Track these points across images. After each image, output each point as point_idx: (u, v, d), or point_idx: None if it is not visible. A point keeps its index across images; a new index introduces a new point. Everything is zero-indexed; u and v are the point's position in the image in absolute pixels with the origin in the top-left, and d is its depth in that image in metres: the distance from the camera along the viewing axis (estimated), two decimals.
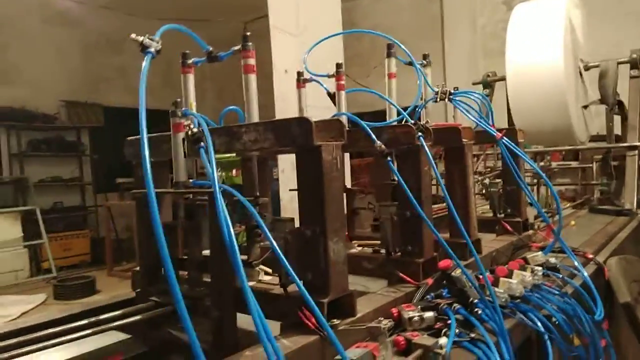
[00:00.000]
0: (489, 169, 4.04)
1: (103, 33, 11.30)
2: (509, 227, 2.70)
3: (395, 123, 2.04)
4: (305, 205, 1.46)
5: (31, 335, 1.42)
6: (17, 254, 9.84)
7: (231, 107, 1.77)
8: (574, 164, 5.79)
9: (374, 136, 1.85)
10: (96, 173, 11.79)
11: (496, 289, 1.72)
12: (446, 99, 2.58)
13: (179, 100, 1.57)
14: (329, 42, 6.58)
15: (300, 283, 1.20)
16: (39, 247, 10.15)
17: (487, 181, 2.81)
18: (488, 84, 5.28)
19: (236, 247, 1.09)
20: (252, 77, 1.59)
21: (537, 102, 4.25)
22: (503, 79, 4.73)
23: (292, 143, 1.42)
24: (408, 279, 1.82)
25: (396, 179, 1.83)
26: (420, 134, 1.86)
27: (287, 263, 1.21)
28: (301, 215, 1.47)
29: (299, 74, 2.22)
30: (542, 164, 3.86)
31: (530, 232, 2.80)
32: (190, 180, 1.55)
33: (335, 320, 1.37)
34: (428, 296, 1.75)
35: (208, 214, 1.49)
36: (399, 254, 1.91)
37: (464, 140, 2.20)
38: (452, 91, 2.58)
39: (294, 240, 1.41)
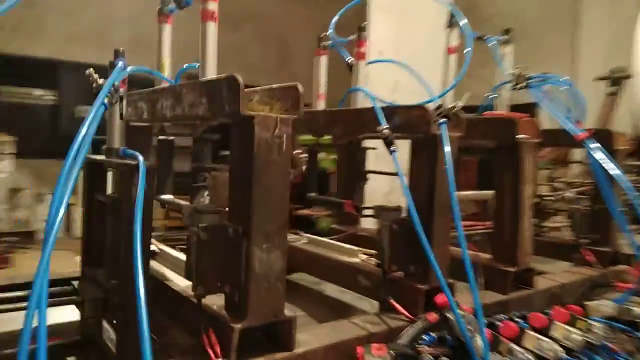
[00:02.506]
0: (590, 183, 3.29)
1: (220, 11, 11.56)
2: (591, 257, 2.08)
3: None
4: (233, 195, 1.10)
5: None
6: None
7: (190, 65, 1.46)
8: None
9: (382, 117, 1.43)
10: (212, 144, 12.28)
11: (516, 348, 1.22)
12: (521, 85, 2.04)
13: (122, 49, 1.29)
14: (430, 22, 5.95)
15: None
16: None
17: (569, 194, 2.19)
18: (615, 81, 4.37)
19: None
20: (212, 26, 1.25)
21: None
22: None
23: (222, 111, 1.07)
24: (400, 309, 1.38)
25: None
26: (442, 119, 1.39)
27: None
28: (229, 208, 1.12)
29: (319, 39, 1.83)
30: None
31: (621, 267, 2.14)
32: (120, 148, 1.26)
33: None
34: (425, 338, 1.30)
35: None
36: (400, 273, 1.46)
37: (520, 136, 1.66)
38: (530, 75, 2.04)
39: (210, 239, 1.06)
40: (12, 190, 5.67)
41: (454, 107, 1.44)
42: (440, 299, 1.28)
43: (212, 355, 1.02)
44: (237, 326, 1.02)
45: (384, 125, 1.41)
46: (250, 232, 1.04)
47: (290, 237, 1.99)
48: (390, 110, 1.46)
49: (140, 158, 1.14)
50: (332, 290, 1.87)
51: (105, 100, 1.09)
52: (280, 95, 1.13)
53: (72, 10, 7.98)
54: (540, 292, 1.74)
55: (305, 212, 4.35)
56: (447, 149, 1.34)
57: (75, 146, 0.89)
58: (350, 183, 1.90)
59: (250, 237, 1.04)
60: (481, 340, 1.17)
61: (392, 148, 1.38)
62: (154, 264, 1.54)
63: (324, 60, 1.86)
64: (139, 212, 0.94)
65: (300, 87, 1.10)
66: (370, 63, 1.72)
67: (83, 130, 0.92)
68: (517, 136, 1.66)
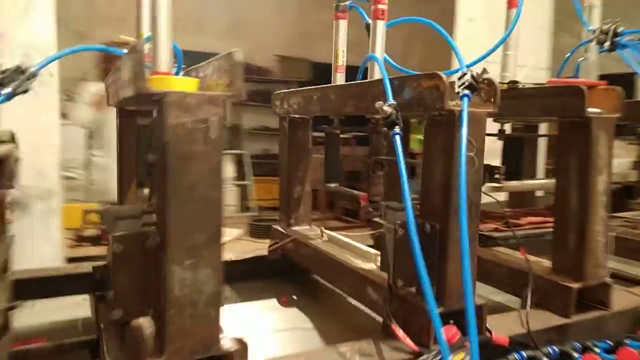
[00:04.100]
0: None
1: None
2: None
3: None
4: (153, 197, 0.88)
5: None
6: (229, 191, 11.00)
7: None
8: None
9: (389, 90, 1.12)
10: None
11: None
12: (607, 44, 1.60)
13: None
14: None
15: None
16: (246, 187, 11.17)
17: None
18: None
19: None
20: None
21: None
22: None
23: (135, 89, 0.84)
24: (402, 336, 1.08)
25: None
26: (465, 91, 1.04)
27: None
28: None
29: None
30: None
31: None
32: None
33: None
34: None
35: None
36: (410, 290, 1.16)
37: (590, 110, 1.25)
38: (619, 31, 1.59)
39: (125, 251, 0.85)
40: None
41: (482, 73, 1.08)
42: (447, 331, 0.97)
43: None
44: None
45: (389, 102, 1.10)
46: (167, 244, 0.81)
47: (312, 232, 1.74)
48: (402, 82, 1.15)
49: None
50: None
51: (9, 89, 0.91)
52: (226, 67, 0.88)
53: None
54: (618, 315, 1.33)
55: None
56: (464, 129, 1.00)
57: None
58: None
59: (167, 250, 0.81)
60: None
61: (394, 130, 1.07)
62: None
63: (343, 26, 1.56)
64: None
65: (238, 55, 0.83)
66: (390, 25, 1.38)
67: None
68: (586, 110, 1.24)
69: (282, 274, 1.82)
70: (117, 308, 0.87)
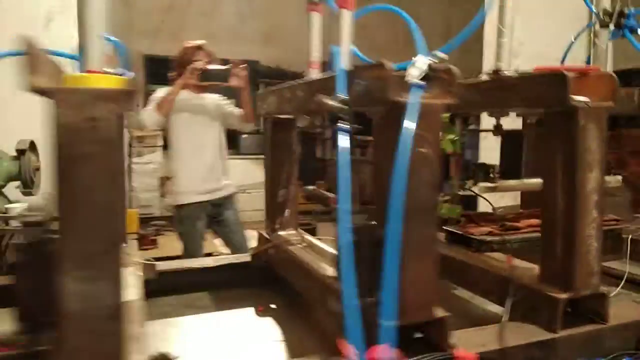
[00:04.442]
0: None
1: None
2: None
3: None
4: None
5: None
6: (263, 195, 11.04)
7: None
8: None
9: (339, 84, 1.03)
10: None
11: None
12: (610, 26, 1.45)
13: None
14: None
15: None
16: None
17: None
18: None
19: None
20: None
21: None
22: None
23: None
24: (347, 352, 0.97)
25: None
26: (417, 81, 0.94)
27: None
28: None
29: None
30: None
31: None
32: None
33: None
34: None
35: None
36: (369, 300, 1.05)
37: (575, 98, 1.10)
38: (627, 11, 1.44)
39: (28, 260, 0.80)
40: (161, 178, 6.06)
41: (438, 61, 0.97)
42: (382, 351, 0.86)
43: None
44: None
45: (337, 95, 1.01)
46: (61, 253, 0.75)
47: (295, 237, 1.65)
48: (352, 74, 1.05)
49: None
50: None
51: None
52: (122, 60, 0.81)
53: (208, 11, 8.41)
54: (616, 329, 1.17)
55: None
56: (409, 123, 0.89)
57: None
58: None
59: (61, 260, 0.75)
60: None
61: (338, 126, 0.98)
62: None
63: (316, 19, 1.48)
64: None
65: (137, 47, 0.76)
66: (358, 15, 1.28)
67: None
68: (569, 98, 1.10)
69: (266, 281, 1.74)
70: (22, 322, 0.82)
